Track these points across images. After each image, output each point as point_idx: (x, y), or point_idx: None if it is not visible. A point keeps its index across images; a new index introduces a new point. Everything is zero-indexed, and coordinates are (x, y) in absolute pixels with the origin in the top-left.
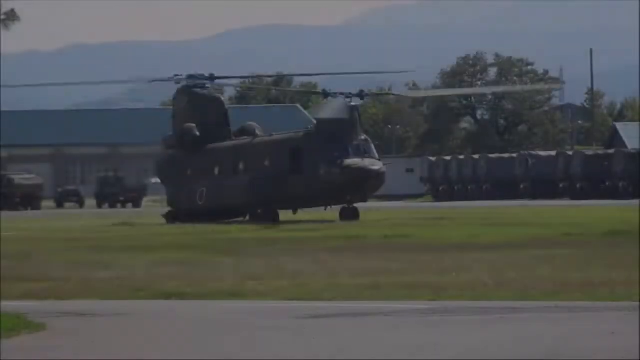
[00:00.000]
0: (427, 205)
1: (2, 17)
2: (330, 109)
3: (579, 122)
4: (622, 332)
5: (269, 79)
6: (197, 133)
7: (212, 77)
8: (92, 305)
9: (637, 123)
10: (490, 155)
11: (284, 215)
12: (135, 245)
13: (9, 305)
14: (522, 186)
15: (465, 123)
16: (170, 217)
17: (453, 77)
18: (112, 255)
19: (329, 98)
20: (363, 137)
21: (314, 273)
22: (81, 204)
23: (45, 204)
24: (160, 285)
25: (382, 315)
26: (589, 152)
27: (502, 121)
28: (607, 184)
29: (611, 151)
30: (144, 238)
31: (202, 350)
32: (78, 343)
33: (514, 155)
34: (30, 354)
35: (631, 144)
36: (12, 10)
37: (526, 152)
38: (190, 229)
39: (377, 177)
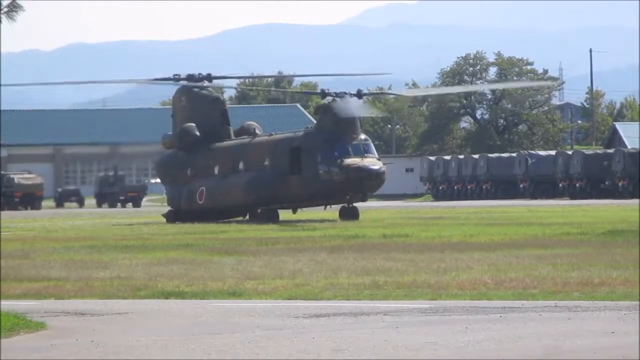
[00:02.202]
0: (427, 205)
1: (4, 9)
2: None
3: (579, 121)
4: (622, 332)
5: (269, 79)
6: (197, 133)
7: (211, 77)
8: (92, 305)
9: (637, 123)
10: (490, 155)
11: (284, 214)
12: (135, 245)
13: (9, 304)
14: (521, 186)
15: (465, 122)
16: (170, 217)
17: (453, 76)
18: (111, 255)
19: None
20: (363, 136)
21: (314, 272)
22: (81, 203)
23: (45, 203)
24: (160, 284)
25: (381, 315)
26: (589, 152)
27: (501, 121)
28: (606, 183)
29: (611, 151)
30: (143, 237)
31: (202, 350)
32: (78, 342)
33: (514, 154)
34: (30, 354)
35: (630, 144)
36: (14, 1)
37: (526, 152)
38: (190, 229)
39: (377, 177)
